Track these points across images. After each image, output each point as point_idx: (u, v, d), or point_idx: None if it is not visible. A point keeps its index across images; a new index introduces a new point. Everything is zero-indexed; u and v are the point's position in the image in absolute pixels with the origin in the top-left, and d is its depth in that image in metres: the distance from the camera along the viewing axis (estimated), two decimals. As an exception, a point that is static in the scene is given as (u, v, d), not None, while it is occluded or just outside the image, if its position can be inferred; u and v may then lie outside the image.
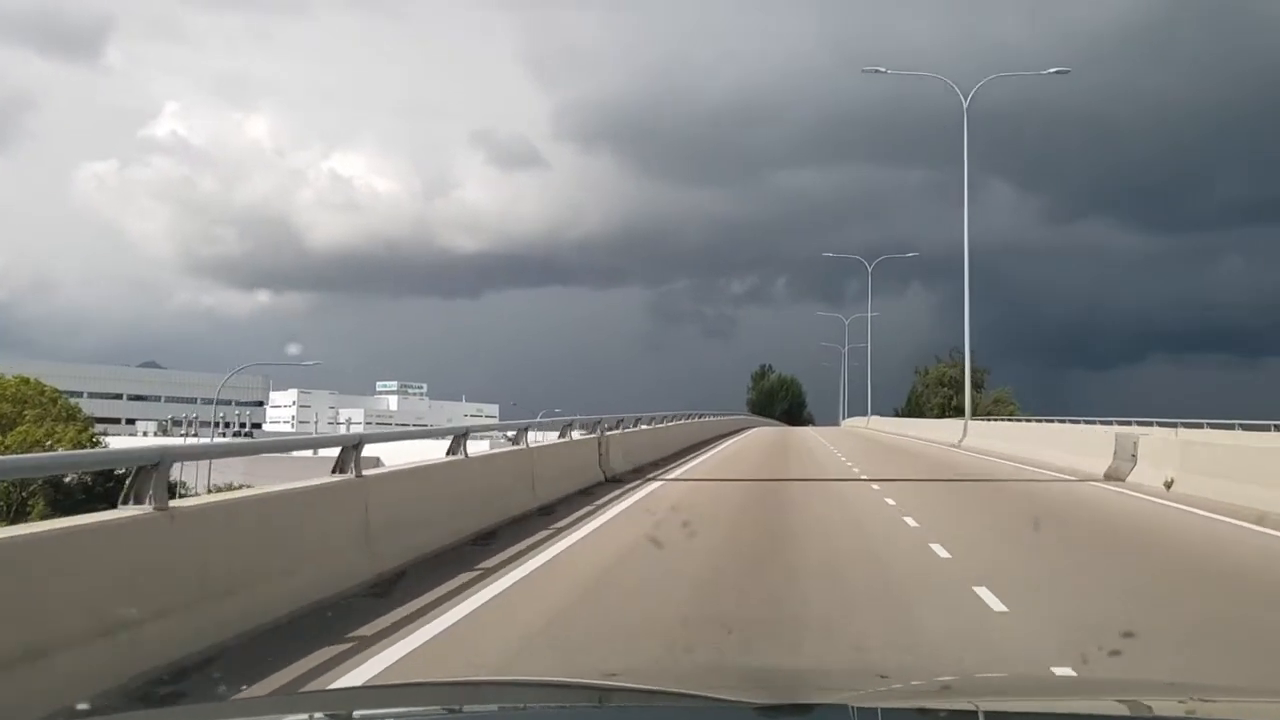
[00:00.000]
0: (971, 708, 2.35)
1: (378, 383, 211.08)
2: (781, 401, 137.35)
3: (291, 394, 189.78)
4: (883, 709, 2.27)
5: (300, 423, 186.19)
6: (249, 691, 4.82)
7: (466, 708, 2.37)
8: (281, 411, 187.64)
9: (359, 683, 5.08)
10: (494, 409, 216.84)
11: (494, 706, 2.42)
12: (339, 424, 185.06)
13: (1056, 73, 40.28)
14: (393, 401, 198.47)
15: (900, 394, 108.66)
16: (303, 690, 4.91)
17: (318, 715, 2.34)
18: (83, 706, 3.94)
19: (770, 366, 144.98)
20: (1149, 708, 2.33)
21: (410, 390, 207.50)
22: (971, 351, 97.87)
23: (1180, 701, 2.40)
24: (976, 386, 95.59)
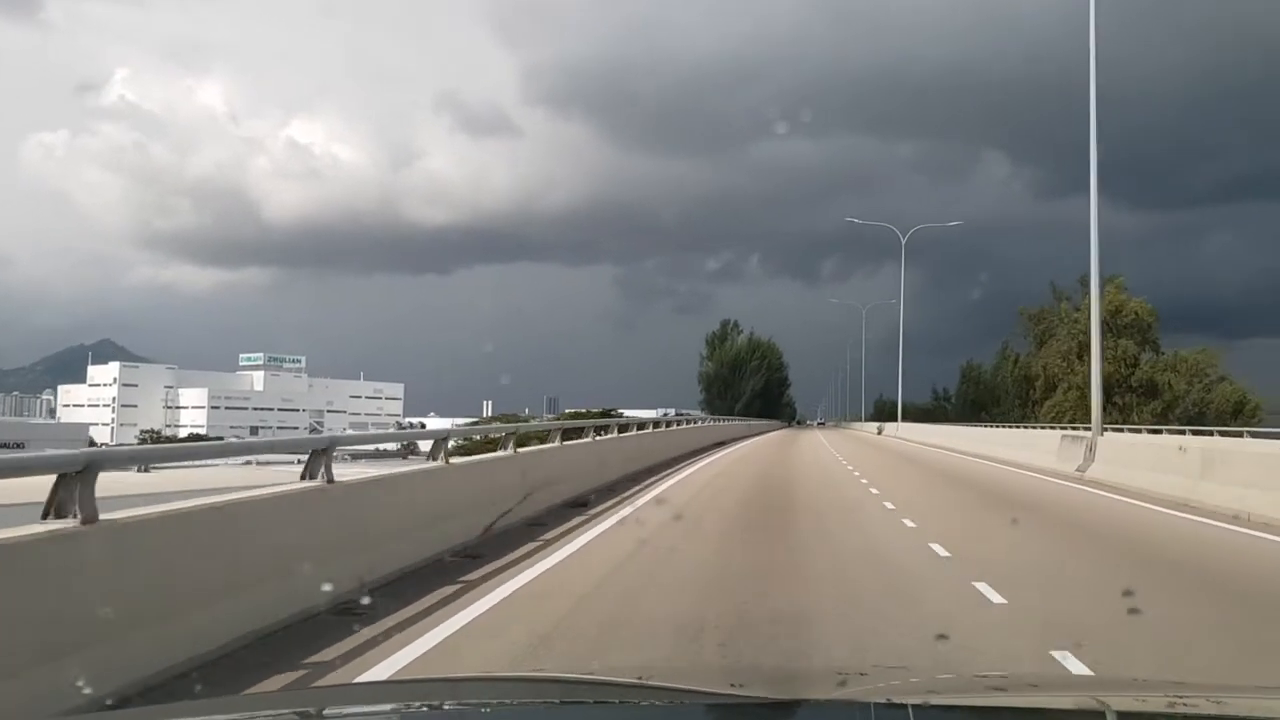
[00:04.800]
0: (972, 704, 2.41)
1: (241, 355, 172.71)
2: (754, 376, 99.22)
3: (113, 369, 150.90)
4: (875, 704, 2.28)
5: (124, 407, 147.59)
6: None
7: (460, 704, 2.34)
8: (101, 391, 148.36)
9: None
10: (398, 388, 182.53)
11: (491, 702, 2.38)
12: (179, 408, 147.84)
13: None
14: (258, 379, 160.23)
15: (886, 381, 77.70)
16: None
17: (319, 711, 2.35)
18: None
19: (736, 325, 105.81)
20: (1146, 704, 2.41)
21: (286, 364, 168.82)
22: (1112, 280, 60.65)
23: (1173, 698, 2.43)
24: (1152, 346, 59.16)
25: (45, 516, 4.67)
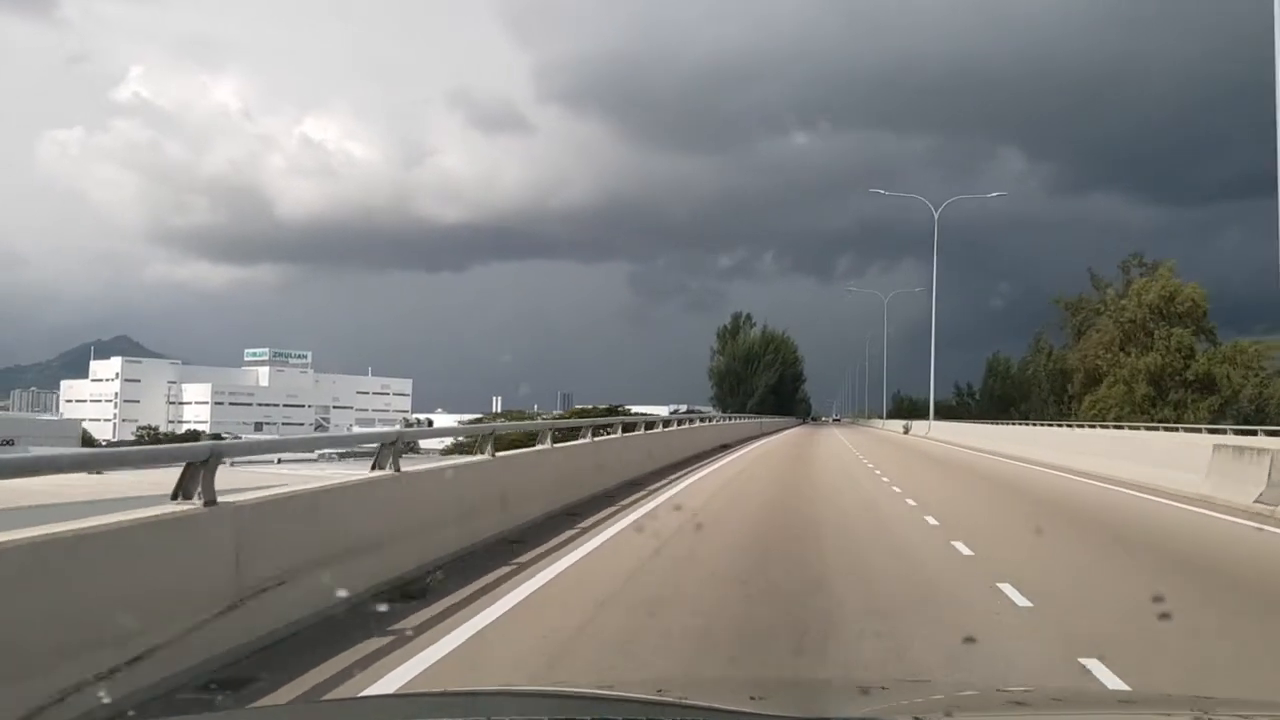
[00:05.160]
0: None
1: (246, 350, 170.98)
2: (767, 371, 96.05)
3: (115, 364, 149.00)
4: None
5: (127, 402, 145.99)
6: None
7: (475, 718, 2.28)
8: (104, 386, 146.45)
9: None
10: (406, 384, 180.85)
11: (507, 718, 2.31)
12: (182, 403, 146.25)
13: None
14: (263, 375, 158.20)
15: (913, 376, 74.95)
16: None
17: None
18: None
19: (749, 317, 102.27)
20: (1173, 718, 2.36)
21: (292, 360, 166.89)
22: (1162, 264, 55.94)
23: (1199, 714, 2.32)
24: (1208, 336, 54.83)
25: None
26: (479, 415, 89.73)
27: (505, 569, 8.05)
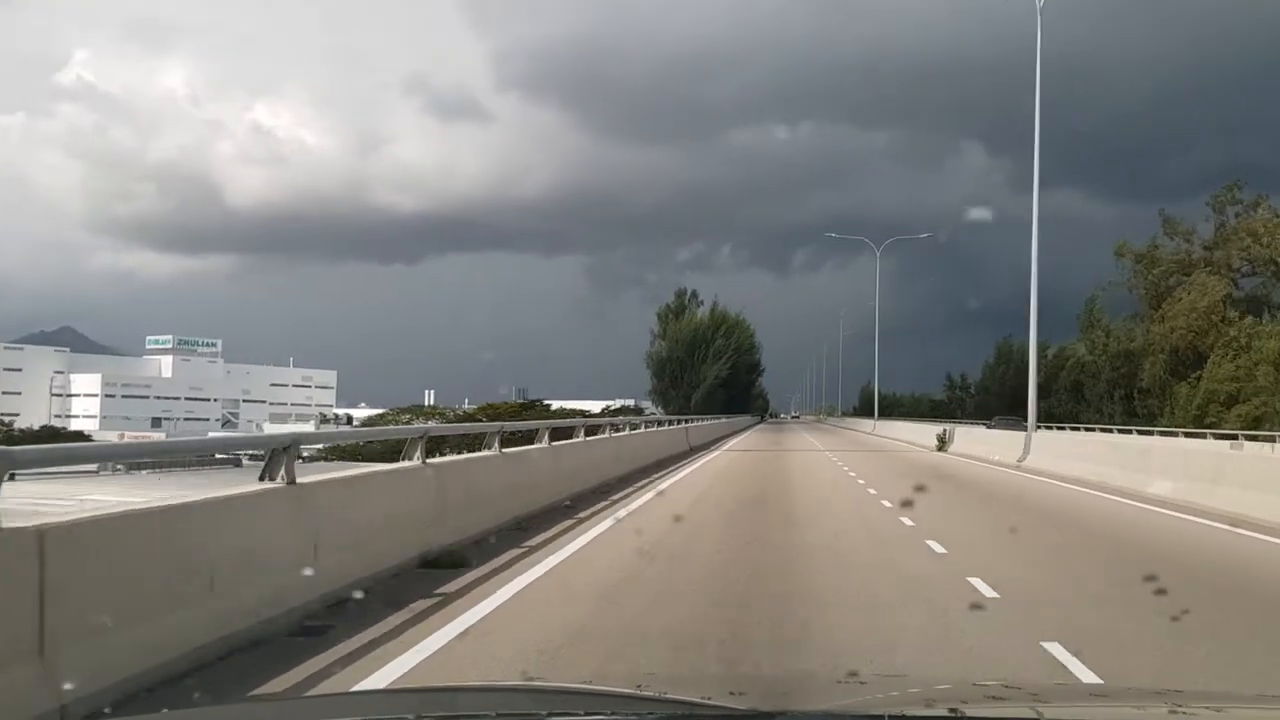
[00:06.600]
0: (971, 714, 2.30)
1: (148, 338, 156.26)
2: (718, 360, 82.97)
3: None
4: (873, 715, 2.27)
5: (5, 394, 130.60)
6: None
7: (456, 714, 2.32)
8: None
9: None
10: (330, 376, 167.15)
11: (487, 713, 2.32)
12: (70, 396, 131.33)
13: None
14: (166, 364, 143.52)
15: (882, 370, 61.43)
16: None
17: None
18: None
19: (695, 295, 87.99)
20: (1146, 712, 2.38)
21: (200, 348, 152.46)
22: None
23: (1173, 707, 2.36)
24: None
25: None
26: (384, 410, 77.03)
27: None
